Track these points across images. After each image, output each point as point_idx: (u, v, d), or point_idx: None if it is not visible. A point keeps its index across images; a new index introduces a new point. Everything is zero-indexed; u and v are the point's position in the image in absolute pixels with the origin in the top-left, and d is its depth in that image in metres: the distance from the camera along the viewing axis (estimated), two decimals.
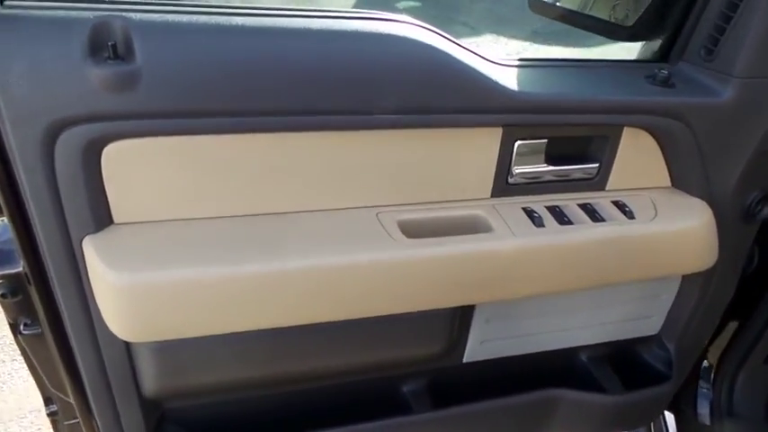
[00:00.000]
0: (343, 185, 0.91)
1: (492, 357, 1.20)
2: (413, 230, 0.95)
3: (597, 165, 1.03)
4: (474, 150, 0.94)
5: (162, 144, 0.80)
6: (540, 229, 0.95)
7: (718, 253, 1.08)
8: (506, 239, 0.93)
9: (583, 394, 1.21)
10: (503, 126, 0.93)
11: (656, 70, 0.99)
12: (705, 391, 1.56)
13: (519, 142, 0.96)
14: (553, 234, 0.95)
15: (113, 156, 0.79)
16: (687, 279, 1.19)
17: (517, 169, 0.99)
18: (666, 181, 1.09)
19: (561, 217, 0.98)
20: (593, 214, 1.00)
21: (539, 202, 1.01)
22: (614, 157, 1.03)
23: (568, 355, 1.28)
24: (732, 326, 1.45)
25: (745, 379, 1.54)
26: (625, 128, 1.00)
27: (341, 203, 0.92)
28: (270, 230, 0.87)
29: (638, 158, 1.05)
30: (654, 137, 1.03)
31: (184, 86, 0.76)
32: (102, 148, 0.78)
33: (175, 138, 0.80)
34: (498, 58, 0.97)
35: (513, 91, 0.89)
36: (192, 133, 0.80)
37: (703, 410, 1.55)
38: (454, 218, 0.97)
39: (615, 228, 0.98)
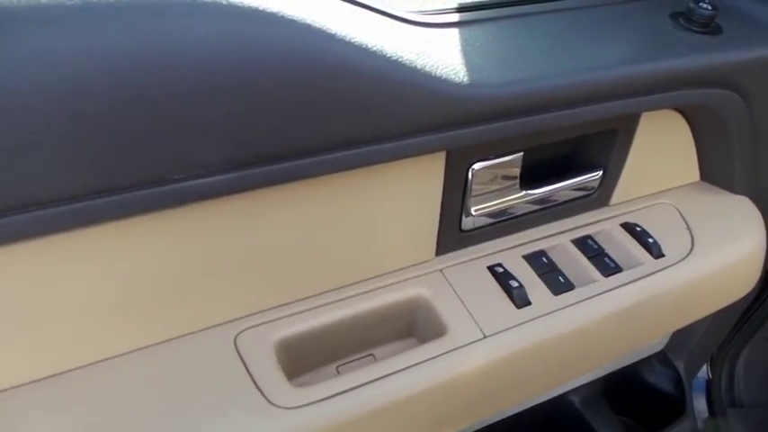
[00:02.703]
0: (166, 300, 0.46)
1: None
2: (304, 357, 0.53)
3: (599, 173, 0.62)
4: (399, 194, 0.51)
5: None
6: (525, 312, 0.55)
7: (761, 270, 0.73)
8: (471, 349, 0.52)
9: None
10: (447, 149, 0.50)
11: (692, 4, 0.57)
12: (700, 377, 1.29)
13: (477, 166, 0.54)
14: (546, 318, 0.55)
15: None
16: None
17: (476, 207, 0.57)
18: (692, 172, 0.71)
19: (554, 277, 0.58)
20: (602, 259, 0.61)
21: (512, 251, 0.61)
22: (625, 157, 0.63)
23: (555, 404, 0.94)
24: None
25: (746, 359, 1.28)
26: (644, 113, 0.60)
27: (169, 332, 0.48)
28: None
29: (657, 151, 0.65)
30: (685, 116, 0.63)
31: None
32: None
33: None
34: (414, 11, 0.52)
35: (459, 85, 0.45)
36: None
37: (699, 406, 1.29)
38: (378, 311, 0.55)
39: (637, 285, 0.59)
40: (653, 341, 0.68)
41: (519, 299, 0.55)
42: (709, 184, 0.71)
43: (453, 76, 0.45)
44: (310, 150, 0.42)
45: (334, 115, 0.41)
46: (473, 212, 0.57)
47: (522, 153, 0.55)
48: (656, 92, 0.55)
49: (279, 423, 0.45)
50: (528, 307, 0.55)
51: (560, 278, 0.58)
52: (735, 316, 1.00)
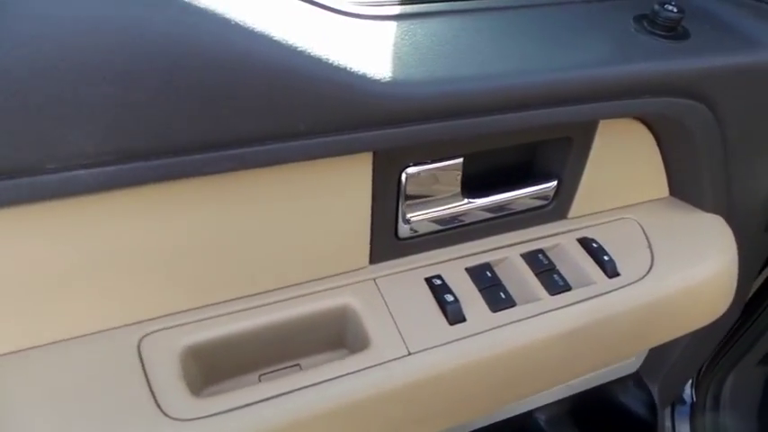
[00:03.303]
0: (64, 297, 0.43)
1: None
2: (221, 365, 0.50)
3: (553, 183, 0.59)
4: (323, 195, 0.48)
5: None
6: (458, 329, 0.52)
7: (734, 293, 0.69)
8: (393, 365, 0.49)
9: None
10: (369, 151, 0.46)
11: (657, 6, 0.53)
12: (683, 402, 1.24)
13: (411, 170, 0.50)
14: (480, 337, 0.52)
15: None
16: None
17: (413, 214, 0.53)
18: (661, 187, 0.67)
19: (495, 292, 0.55)
20: (551, 276, 0.57)
21: (455, 262, 0.57)
22: (582, 167, 0.59)
23: (520, 421, 0.90)
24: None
25: (733, 384, 1.23)
26: (602, 122, 0.56)
27: (67, 331, 0.45)
28: None
29: (620, 163, 0.61)
30: (649, 126, 0.59)
31: None
32: None
33: None
34: (350, 1, 0.49)
35: (380, 82, 0.42)
36: None
37: (683, 426, 1.24)
38: (303, 319, 0.52)
39: (586, 305, 0.55)
40: (614, 364, 0.63)
41: (452, 315, 0.52)
42: (680, 201, 0.67)
43: (375, 73, 0.42)
44: (206, 145, 0.38)
45: (232, 108, 0.38)
46: (410, 219, 0.53)
47: (461, 158, 0.51)
48: (610, 99, 0.51)
49: None
50: (461, 324, 0.52)
51: (502, 294, 0.54)
52: (714, 340, 0.95)
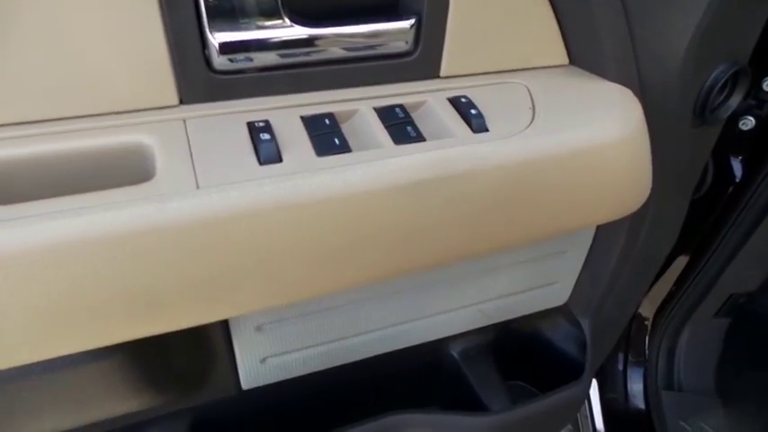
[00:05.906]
0: None
1: (293, 377, 0.72)
2: None
3: (411, 21, 0.50)
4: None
5: None
6: (267, 169, 0.43)
7: (650, 184, 0.59)
8: (173, 198, 0.40)
9: (442, 417, 0.76)
10: None
11: None
12: (636, 361, 1.14)
13: None
14: (294, 178, 0.43)
15: None
16: (604, 227, 0.71)
17: (221, 35, 0.44)
18: (559, 53, 0.58)
19: (328, 138, 0.46)
20: (403, 128, 0.48)
21: (292, 109, 0.48)
22: (445, 4, 0.50)
23: (430, 350, 0.81)
24: (674, 266, 1.02)
25: (689, 337, 1.13)
26: None
27: None
28: None
29: (505, 16, 0.52)
30: None
31: None
32: None
33: None
34: None
35: None
36: None
37: (635, 387, 1.15)
38: (85, 157, 0.43)
39: (436, 155, 0.46)
40: (490, 245, 0.53)
41: (264, 153, 0.43)
42: (581, 70, 0.58)
43: None
44: None
45: None
46: (223, 44, 0.44)
47: None
48: None
49: None
50: (274, 164, 0.43)
51: (336, 140, 0.46)
52: (649, 274, 0.85)
